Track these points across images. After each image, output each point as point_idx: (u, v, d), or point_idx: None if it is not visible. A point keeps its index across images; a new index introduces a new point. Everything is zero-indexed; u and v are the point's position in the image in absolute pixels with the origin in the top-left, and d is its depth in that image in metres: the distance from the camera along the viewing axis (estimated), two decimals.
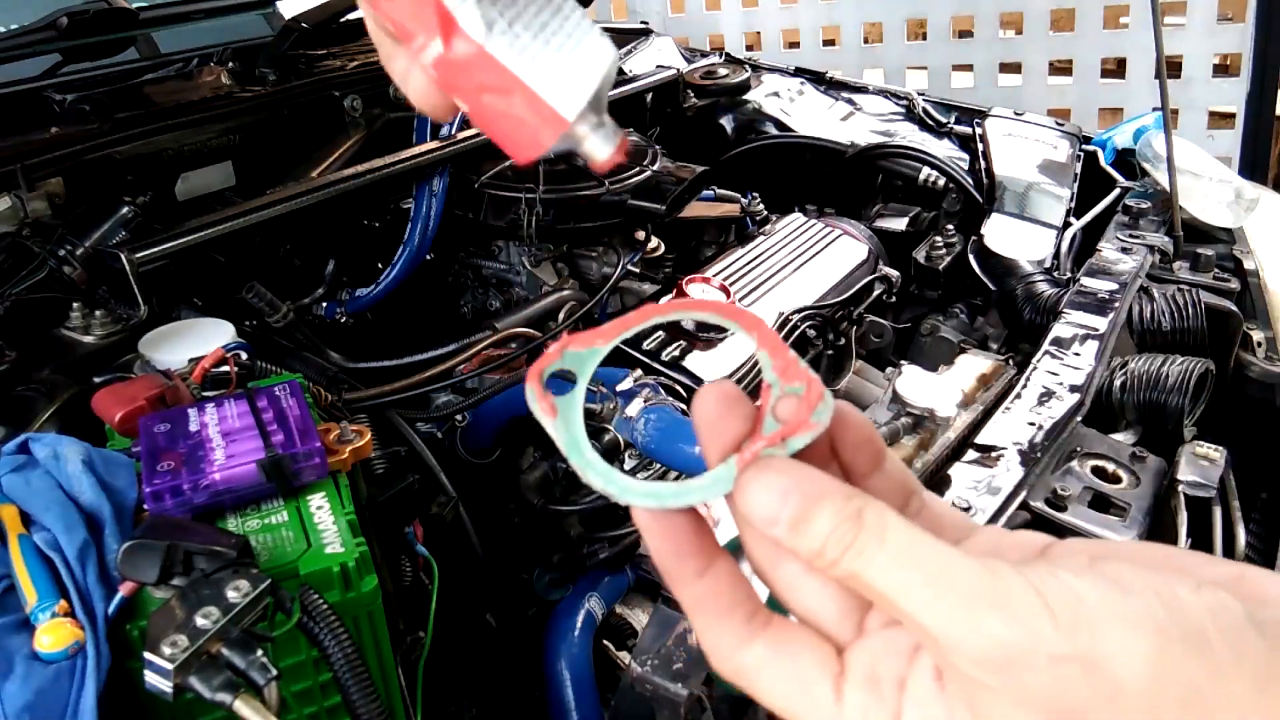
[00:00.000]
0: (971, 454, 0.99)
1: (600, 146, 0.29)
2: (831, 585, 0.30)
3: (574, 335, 0.32)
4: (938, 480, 0.97)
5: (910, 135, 1.83)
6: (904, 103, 1.92)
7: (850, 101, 1.96)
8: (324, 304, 1.35)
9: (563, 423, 0.31)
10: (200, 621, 0.56)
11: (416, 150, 1.34)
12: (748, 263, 1.43)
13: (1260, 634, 0.25)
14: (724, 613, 0.30)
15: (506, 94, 0.27)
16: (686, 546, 0.30)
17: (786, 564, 0.30)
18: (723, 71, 1.95)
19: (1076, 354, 1.16)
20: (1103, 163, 1.73)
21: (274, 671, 0.56)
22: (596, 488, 0.30)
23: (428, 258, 1.40)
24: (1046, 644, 0.24)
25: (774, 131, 1.87)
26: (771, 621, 0.30)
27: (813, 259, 1.47)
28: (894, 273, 1.50)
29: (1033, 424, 1.04)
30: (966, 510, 0.90)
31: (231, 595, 0.58)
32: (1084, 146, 1.78)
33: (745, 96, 1.93)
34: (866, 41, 3.46)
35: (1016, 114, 1.85)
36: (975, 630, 0.25)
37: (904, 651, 0.29)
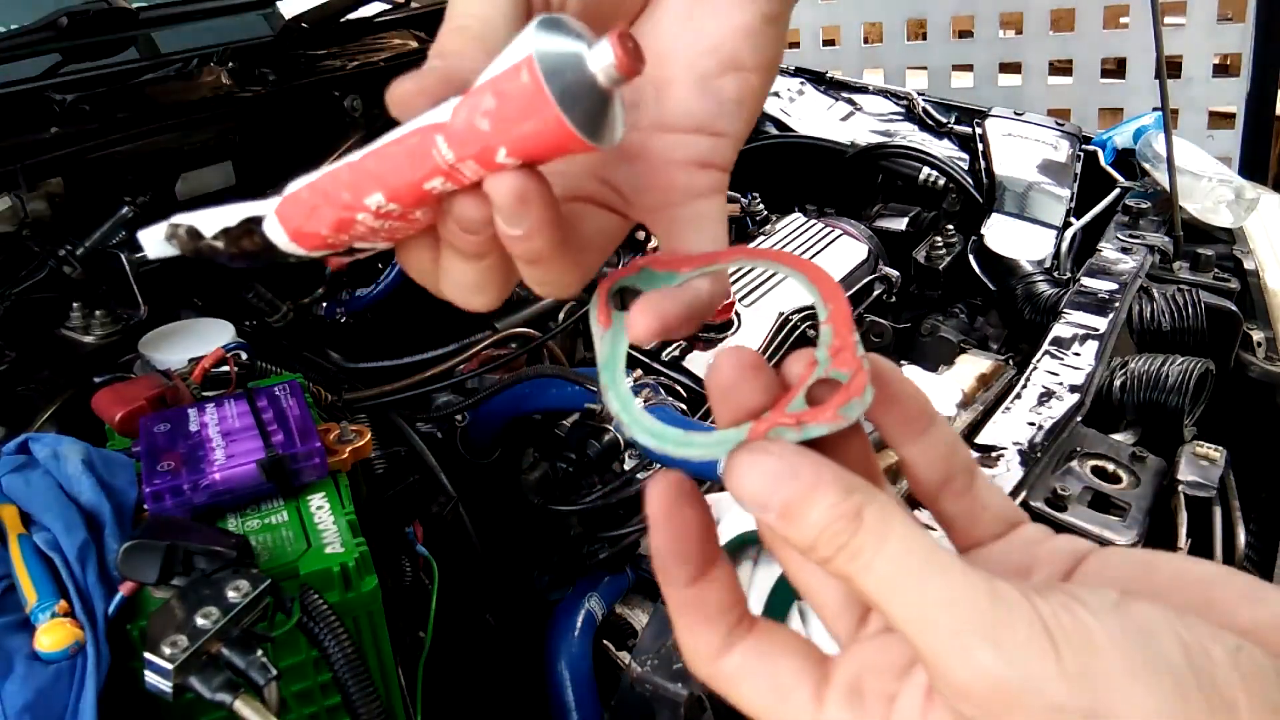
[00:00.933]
0: (972, 454, 0.99)
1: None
2: None
3: (656, 256, 0.32)
4: None
5: (910, 135, 1.83)
6: (904, 103, 1.92)
7: (850, 101, 1.96)
8: (324, 304, 1.35)
9: (610, 338, 0.30)
10: (200, 621, 0.56)
11: None
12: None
13: None
14: (708, 621, 0.28)
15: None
16: (691, 549, 0.28)
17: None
18: None
19: (1076, 354, 1.16)
20: (1103, 163, 1.73)
21: (274, 671, 0.56)
22: (612, 410, 0.29)
23: None
24: (1046, 689, 0.21)
25: (774, 131, 1.86)
26: (755, 628, 0.28)
27: (813, 259, 1.47)
28: (894, 273, 1.50)
29: (1033, 424, 1.04)
30: None
31: (231, 595, 0.58)
32: (1084, 146, 1.78)
33: None
34: (866, 41, 3.45)
35: (1016, 114, 1.84)
36: (966, 660, 0.22)
37: (897, 664, 0.26)
